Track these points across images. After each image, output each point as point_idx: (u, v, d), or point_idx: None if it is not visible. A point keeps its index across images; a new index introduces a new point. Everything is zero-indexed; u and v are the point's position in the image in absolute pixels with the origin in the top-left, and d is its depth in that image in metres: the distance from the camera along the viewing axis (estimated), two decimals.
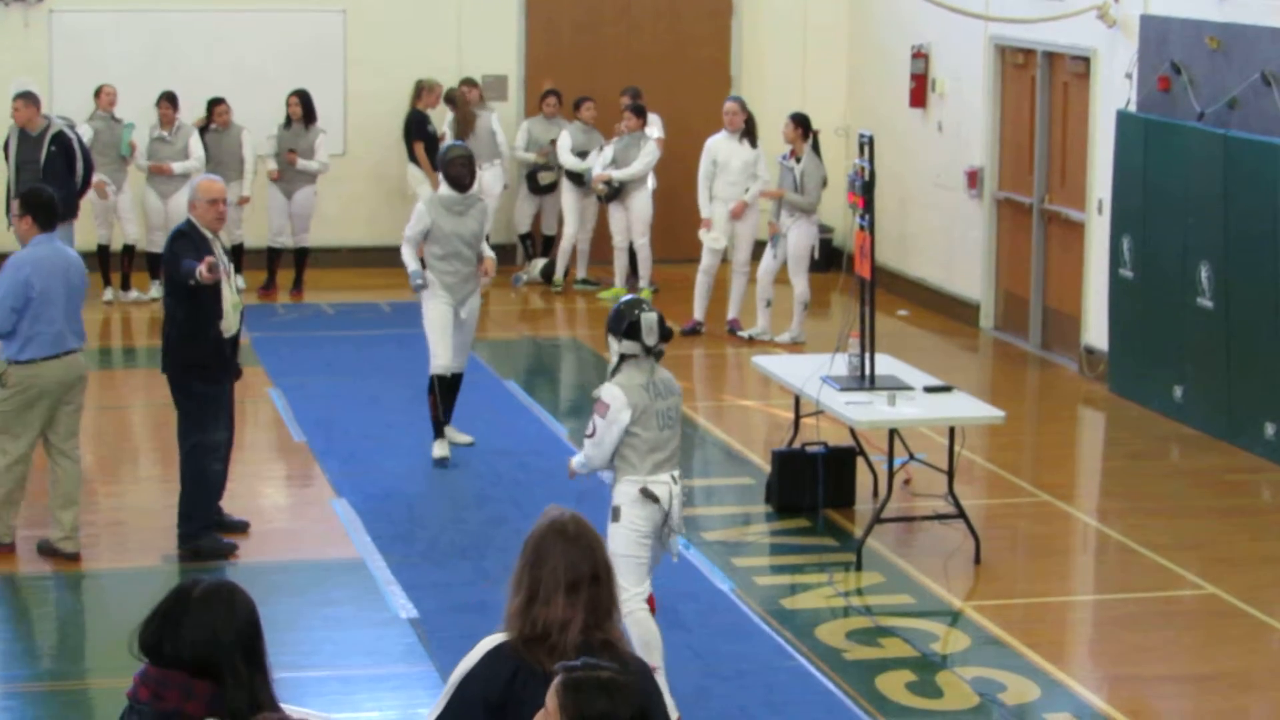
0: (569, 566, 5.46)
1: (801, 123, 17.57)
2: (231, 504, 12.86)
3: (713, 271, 18.19)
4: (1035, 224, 17.85)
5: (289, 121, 19.64)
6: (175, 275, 11.31)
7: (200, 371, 11.48)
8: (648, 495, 9.22)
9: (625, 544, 9.23)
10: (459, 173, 13.44)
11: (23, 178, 16.91)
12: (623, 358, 9.30)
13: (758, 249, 18.19)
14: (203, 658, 4.85)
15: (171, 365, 11.54)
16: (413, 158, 20.24)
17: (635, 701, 4.60)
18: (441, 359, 13.54)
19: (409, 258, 13.55)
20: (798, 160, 17.43)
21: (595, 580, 5.48)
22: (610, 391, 9.21)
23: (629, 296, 9.63)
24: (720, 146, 17.99)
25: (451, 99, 20.24)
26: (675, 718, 9.24)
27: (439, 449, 13.62)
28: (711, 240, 18.04)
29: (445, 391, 13.63)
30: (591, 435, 9.24)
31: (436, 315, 13.56)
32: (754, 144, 17.93)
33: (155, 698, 4.84)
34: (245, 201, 19.60)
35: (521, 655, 5.41)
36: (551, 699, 4.57)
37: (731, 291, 18.25)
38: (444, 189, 13.53)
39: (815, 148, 17.56)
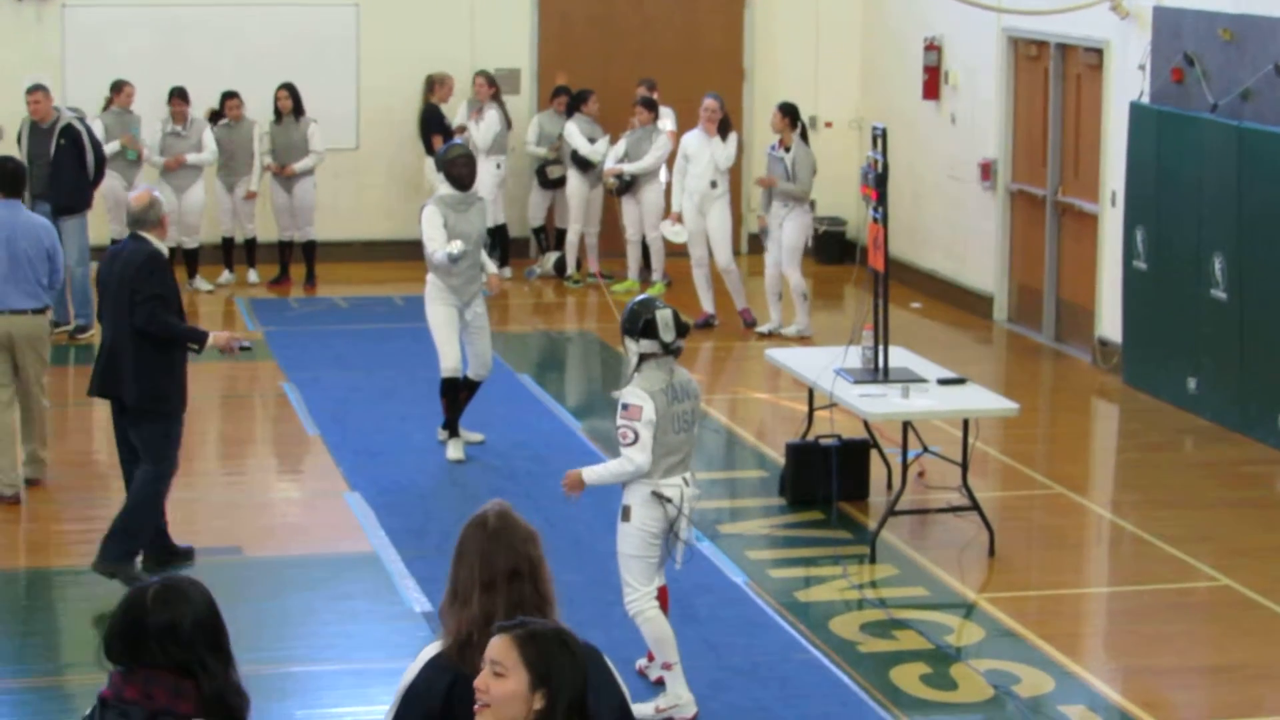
0: (485, 563, 5.37)
1: (789, 113, 17.55)
2: (245, 497, 12.93)
3: (705, 263, 18.18)
4: (1049, 216, 17.84)
5: (279, 116, 19.63)
6: (173, 332, 10.81)
7: (172, 399, 10.98)
8: (659, 497, 9.19)
9: (636, 545, 9.24)
10: (461, 172, 13.30)
11: (34, 170, 16.84)
12: (642, 358, 9.21)
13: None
14: (176, 659, 4.81)
15: (140, 395, 10.87)
16: (429, 151, 20.23)
17: (582, 656, 4.70)
18: (450, 360, 13.44)
19: (445, 249, 13.09)
20: (787, 150, 17.41)
21: (516, 576, 5.36)
22: (636, 394, 9.12)
23: (642, 296, 9.53)
24: (692, 141, 18.04)
25: (494, 82, 20.15)
26: (693, 714, 9.28)
27: (454, 451, 13.57)
28: (674, 234, 18.08)
29: (459, 393, 13.56)
30: (634, 442, 9.07)
31: (441, 317, 13.44)
32: (725, 138, 17.95)
33: (145, 696, 4.81)
34: (253, 196, 19.62)
35: (457, 663, 5.34)
36: (508, 654, 4.60)
37: (729, 287, 18.21)
38: (445, 188, 13.41)
39: (804, 137, 17.54)
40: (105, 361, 11.04)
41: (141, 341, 10.78)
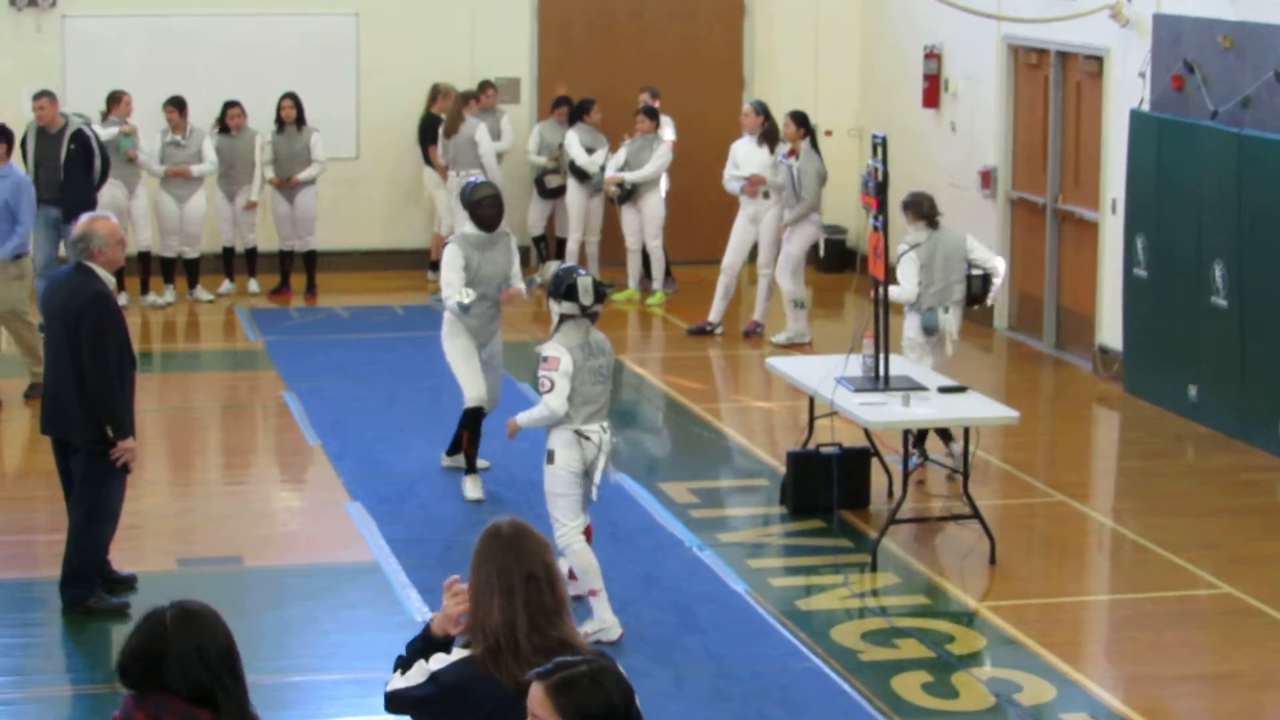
0: (502, 570, 5.49)
1: (800, 121, 17.53)
2: (246, 507, 12.91)
3: (733, 271, 18.10)
4: (1049, 224, 17.84)
5: (281, 125, 19.60)
6: (109, 406, 10.43)
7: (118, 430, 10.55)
8: (580, 435, 10.27)
9: (560, 483, 10.32)
10: (488, 214, 12.72)
11: (42, 175, 16.96)
12: (562, 318, 10.38)
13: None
14: (197, 683, 4.78)
15: (85, 426, 10.46)
16: (428, 161, 20.23)
17: (624, 684, 4.66)
18: (475, 390, 12.90)
19: (456, 298, 12.59)
20: (796, 158, 17.39)
21: (532, 579, 5.47)
22: (554, 348, 10.31)
23: (568, 264, 10.62)
24: (740, 149, 18.04)
25: (482, 92, 20.11)
26: (618, 635, 10.10)
27: (472, 490, 12.93)
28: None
29: (478, 426, 13.01)
30: (550, 389, 10.24)
31: (460, 350, 12.92)
32: (772, 149, 17.86)
33: None
34: (253, 206, 19.60)
35: (491, 671, 5.44)
36: (543, 706, 4.59)
37: (758, 293, 18.13)
38: (469, 227, 12.82)
39: (814, 145, 17.52)
40: (50, 400, 10.70)
41: (88, 376, 10.39)
